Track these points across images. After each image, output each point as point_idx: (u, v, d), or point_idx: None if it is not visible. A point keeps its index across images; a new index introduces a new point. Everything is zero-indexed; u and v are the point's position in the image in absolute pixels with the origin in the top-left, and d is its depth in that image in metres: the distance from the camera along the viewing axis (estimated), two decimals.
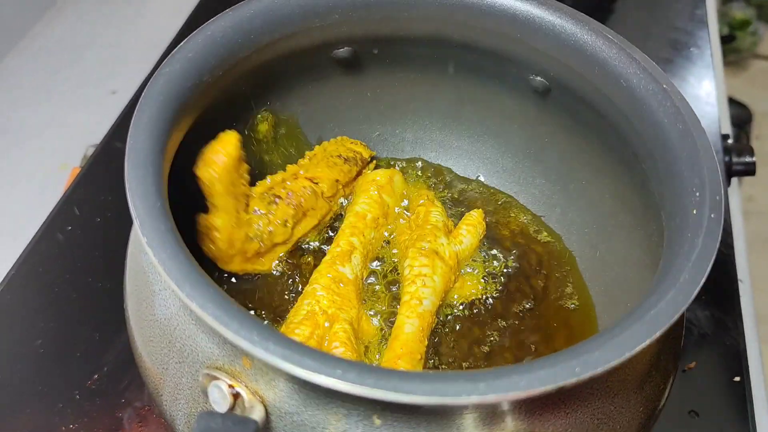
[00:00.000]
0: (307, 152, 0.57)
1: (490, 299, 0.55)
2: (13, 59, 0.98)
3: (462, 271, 0.55)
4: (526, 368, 0.31)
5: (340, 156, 0.57)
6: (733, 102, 1.82)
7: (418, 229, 0.54)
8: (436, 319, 0.51)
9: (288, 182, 0.53)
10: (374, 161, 0.61)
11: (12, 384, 0.56)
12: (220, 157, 0.46)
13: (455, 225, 0.58)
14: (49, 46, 1.01)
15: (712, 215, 0.38)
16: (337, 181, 0.55)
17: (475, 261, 0.57)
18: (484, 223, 0.58)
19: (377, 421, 0.34)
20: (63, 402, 0.55)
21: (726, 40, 1.99)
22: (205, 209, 0.49)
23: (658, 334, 0.33)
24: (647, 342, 0.33)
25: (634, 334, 0.33)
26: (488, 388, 0.30)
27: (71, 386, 0.56)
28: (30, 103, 0.92)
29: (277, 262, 0.54)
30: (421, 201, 0.58)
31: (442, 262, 0.52)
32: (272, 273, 0.53)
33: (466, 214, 0.58)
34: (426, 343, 0.49)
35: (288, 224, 0.52)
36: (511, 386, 0.30)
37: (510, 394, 0.30)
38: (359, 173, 0.58)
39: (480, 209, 0.59)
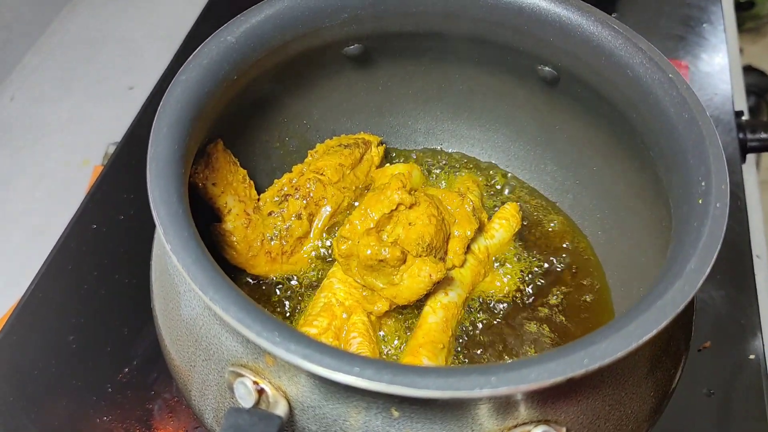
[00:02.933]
0: (309, 151, 0.58)
1: (519, 293, 0.55)
2: (32, 57, 1.00)
3: (495, 265, 0.56)
4: (536, 361, 0.33)
5: (340, 144, 0.59)
6: (752, 70, 1.79)
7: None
8: (463, 311, 0.53)
9: (294, 179, 0.55)
10: (383, 145, 0.62)
11: (48, 378, 0.59)
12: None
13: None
14: (65, 43, 1.02)
15: (718, 204, 0.39)
16: (340, 164, 0.56)
17: (507, 256, 0.57)
18: (518, 216, 0.58)
19: (396, 413, 0.36)
20: (96, 395, 0.58)
21: (745, 7, 1.96)
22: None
23: (664, 324, 0.34)
24: (654, 332, 0.34)
25: (641, 324, 0.34)
26: (499, 381, 0.32)
27: (103, 380, 0.59)
28: (50, 101, 0.94)
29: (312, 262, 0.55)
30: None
31: (472, 255, 0.53)
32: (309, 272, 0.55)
33: (501, 207, 0.58)
34: (450, 333, 0.50)
35: (302, 216, 0.54)
36: (521, 379, 0.32)
37: (521, 386, 0.32)
38: (363, 156, 0.59)
39: (515, 203, 0.59)
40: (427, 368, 0.32)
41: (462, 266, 0.53)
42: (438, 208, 0.51)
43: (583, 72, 0.51)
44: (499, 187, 0.63)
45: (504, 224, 0.57)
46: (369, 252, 0.47)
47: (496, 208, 0.59)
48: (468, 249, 0.54)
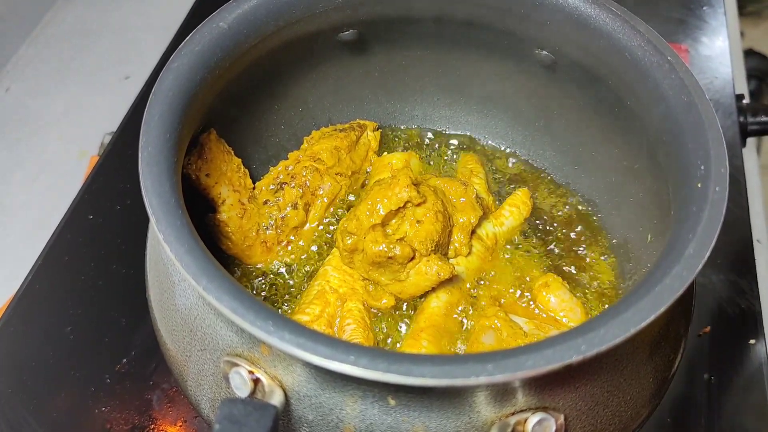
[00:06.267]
0: (305, 137, 0.58)
1: (523, 276, 0.54)
2: (28, 49, 0.99)
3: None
4: (533, 348, 0.32)
5: (335, 129, 0.59)
6: (753, 54, 1.78)
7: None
8: (468, 297, 0.52)
9: (290, 167, 0.54)
10: (379, 130, 0.61)
11: (46, 369, 0.59)
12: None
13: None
14: (60, 34, 1.01)
15: (717, 188, 0.38)
16: (336, 148, 0.56)
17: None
18: (529, 202, 0.57)
19: (392, 402, 0.35)
20: (95, 386, 0.58)
21: None
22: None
23: (662, 309, 0.34)
24: (652, 318, 0.33)
25: (639, 310, 0.34)
26: (496, 369, 0.31)
27: (102, 370, 0.59)
28: (46, 92, 0.93)
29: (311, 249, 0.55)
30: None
31: (480, 242, 0.53)
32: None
33: (513, 193, 0.58)
34: (452, 318, 0.49)
35: (298, 206, 0.53)
36: (518, 366, 0.32)
37: (517, 374, 0.31)
38: (359, 139, 0.59)
39: (526, 189, 0.58)
40: (423, 356, 0.32)
41: (467, 255, 0.52)
42: (443, 202, 0.50)
43: (580, 55, 0.50)
44: (495, 171, 0.62)
45: (514, 212, 0.56)
46: (381, 248, 0.46)
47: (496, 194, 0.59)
48: (474, 234, 0.53)
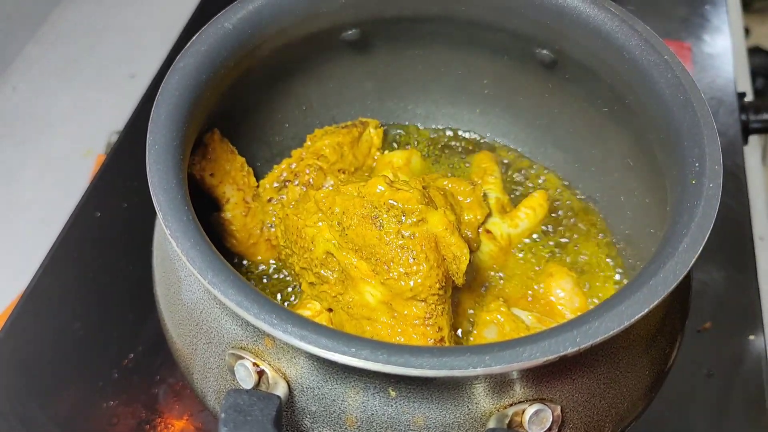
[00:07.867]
0: (308, 135, 0.59)
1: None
2: (33, 48, 1.00)
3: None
4: (529, 340, 0.33)
5: (338, 125, 0.59)
6: (760, 51, 1.78)
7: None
8: (479, 297, 0.52)
9: (294, 165, 0.55)
10: (382, 128, 0.62)
11: (55, 365, 0.60)
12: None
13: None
14: (66, 33, 1.03)
15: (711, 185, 0.39)
16: (338, 143, 0.57)
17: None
18: (546, 204, 0.57)
19: (393, 393, 0.36)
20: (102, 380, 0.59)
21: None
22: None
23: (656, 302, 0.34)
24: (645, 311, 0.34)
25: (633, 303, 0.34)
26: (493, 360, 0.32)
27: (109, 365, 0.60)
28: (52, 91, 0.94)
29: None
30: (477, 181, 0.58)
31: (493, 242, 0.54)
32: None
33: (530, 195, 0.58)
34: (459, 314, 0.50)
35: None
36: (514, 357, 0.32)
37: (514, 365, 0.32)
38: (361, 135, 0.59)
39: (543, 191, 0.58)
40: (421, 348, 0.33)
41: (476, 250, 0.53)
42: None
43: (580, 55, 0.51)
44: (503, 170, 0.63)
45: (529, 214, 0.56)
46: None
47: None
48: (489, 234, 0.54)
